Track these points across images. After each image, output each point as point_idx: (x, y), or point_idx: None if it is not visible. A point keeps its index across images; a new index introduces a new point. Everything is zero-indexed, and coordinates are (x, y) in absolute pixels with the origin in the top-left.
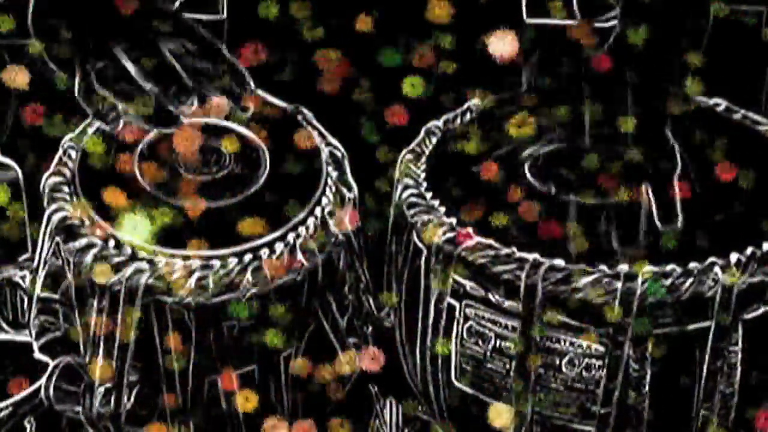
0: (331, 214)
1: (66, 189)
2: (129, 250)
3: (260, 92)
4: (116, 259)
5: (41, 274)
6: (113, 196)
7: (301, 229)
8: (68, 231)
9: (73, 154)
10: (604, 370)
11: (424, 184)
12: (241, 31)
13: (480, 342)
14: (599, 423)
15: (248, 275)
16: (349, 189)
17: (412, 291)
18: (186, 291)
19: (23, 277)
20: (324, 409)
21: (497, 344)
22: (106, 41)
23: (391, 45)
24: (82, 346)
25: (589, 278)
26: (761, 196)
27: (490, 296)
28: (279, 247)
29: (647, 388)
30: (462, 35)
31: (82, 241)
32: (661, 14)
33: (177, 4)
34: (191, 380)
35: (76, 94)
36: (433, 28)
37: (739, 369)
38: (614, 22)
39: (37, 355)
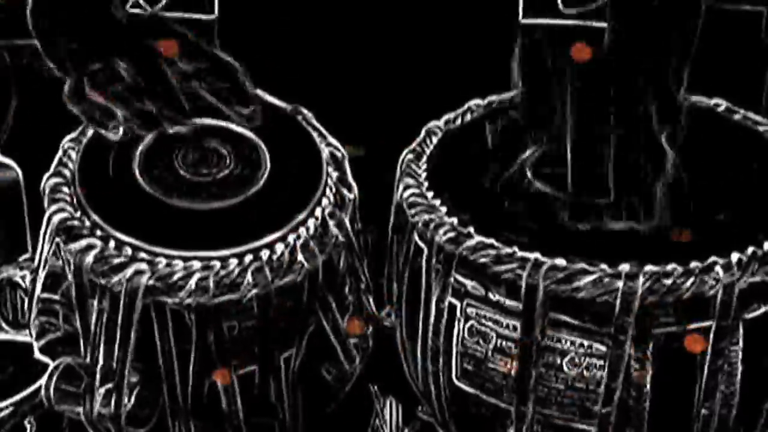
0: (332, 215)
1: (66, 190)
2: (129, 251)
3: (258, 92)
4: (116, 260)
5: (41, 274)
6: None
7: (302, 230)
8: (68, 232)
9: (73, 154)
10: (605, 370)
11: (426, 184)
12: (233, 31)
13: (481, 341)
14: (600, 423)
15: (249, 276)
16: (349, 190)
17: (412, 291)
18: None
19: (23, 277)
20: (324, 410)
21: (498, 344)
22: (108, 52)
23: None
24: (82, 347)
25: (590, 277)
26: (762, 196)
27: (491, 295)
28: (279, 247)
29: (648, 387)
30: (458, 35)
31: (82, 243)
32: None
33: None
34: (191, 381)
35: (66, 95)
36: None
37: (739, 368)
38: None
39: (38, 355)
